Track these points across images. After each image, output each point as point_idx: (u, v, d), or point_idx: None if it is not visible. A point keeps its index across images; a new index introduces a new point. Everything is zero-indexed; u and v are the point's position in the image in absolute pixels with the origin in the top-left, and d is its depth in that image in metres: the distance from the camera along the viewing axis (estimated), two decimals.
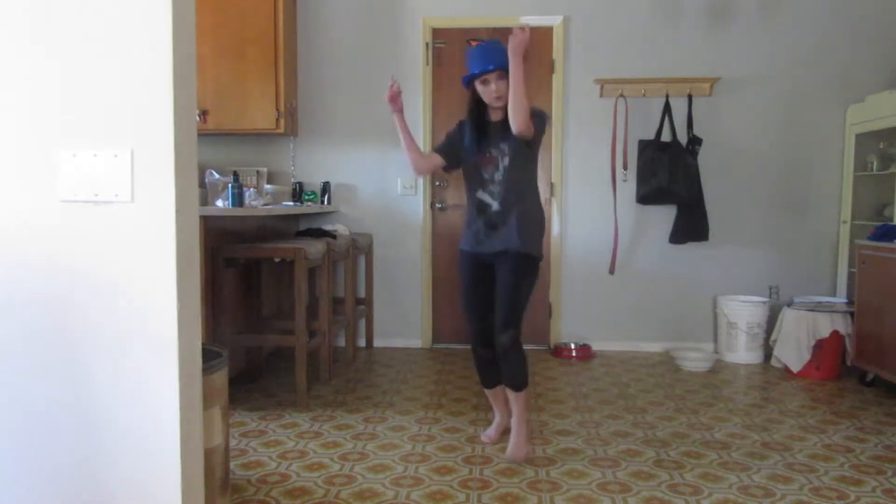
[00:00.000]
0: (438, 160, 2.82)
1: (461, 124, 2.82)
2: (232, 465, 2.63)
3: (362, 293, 4.74)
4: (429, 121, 4.69)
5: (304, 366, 3.41)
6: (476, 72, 2.64)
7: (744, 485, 2.53)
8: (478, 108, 2.73)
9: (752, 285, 4.68)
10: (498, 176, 2.71)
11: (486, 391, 3.03)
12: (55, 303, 1.37)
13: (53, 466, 1.39)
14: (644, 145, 4.62)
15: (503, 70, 2.59)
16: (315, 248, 3.54)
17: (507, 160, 2.69)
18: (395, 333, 4.83)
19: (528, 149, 2.71)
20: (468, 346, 3.21)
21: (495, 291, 2.75)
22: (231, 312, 3.49)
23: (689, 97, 4.57)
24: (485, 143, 2.72)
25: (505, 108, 2.60)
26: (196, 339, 1.45)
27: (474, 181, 2.78)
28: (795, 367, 4.09)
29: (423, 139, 4.70)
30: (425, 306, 4.82)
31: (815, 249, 4.68)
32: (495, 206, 2.71)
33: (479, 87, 2.68)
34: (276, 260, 3.81)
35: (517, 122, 2.54)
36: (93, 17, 1.32)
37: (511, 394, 2.82)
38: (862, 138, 4.44)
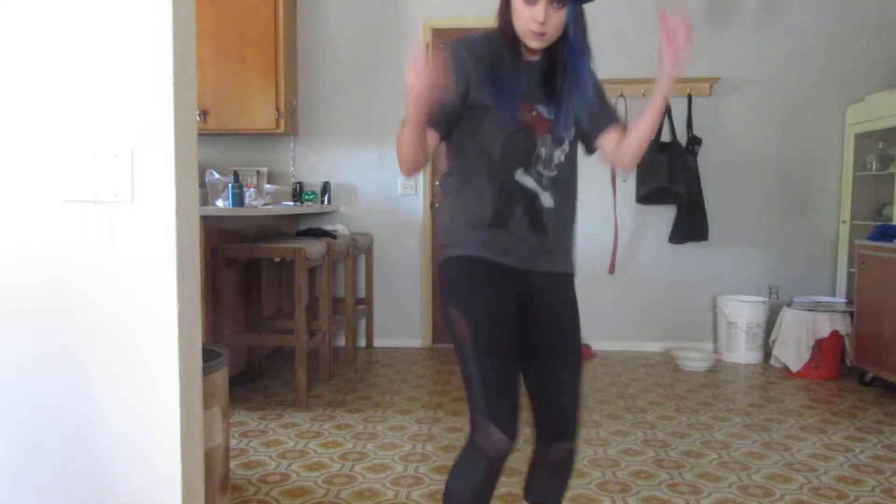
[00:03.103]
0: (434, 136, 1.60)
1: (465, 46, 1.59)
2: (232, 465, 2.63)
3: (362, 293, 4.74)
4: None
5: (304, 366, 3.41)
6: None
7: (744, 484, 2.53)
8: (511, 28, 1.55)
9: (752, 285, 4.68)
10: (559, 155, 1.61)
11: None
12: (55, 303, 1.37)
13: (53, 466, 1.40)
14: None
15: None
16: (315, 248, 3.55)
17: (572, 133, 1.65)
18: (395, 333, 4.83)
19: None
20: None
21: (544, 348, 1.63)
22: (231, 312, 3.49)
23: (689, 97, 4.57)
24: (523, 92, 1.58)
25: (546, 48, 1.57)
26: (196, 339, 1.45)
27: (512, 151, 1.57)
28: (795, 367, 4.09)
29: None
30: (425, 306, 4.82)
31: (815, 249, 4.68)
32: (547, 200, 1.60)
33: (518, 3, 1.52)
34: (276, 260, 3.82)
35: (629, 163, 1.73)
36: (92, 17, 1.32)
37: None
38: (861, 138, 4.44)
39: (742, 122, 4.66)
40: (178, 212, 1.34)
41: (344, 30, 4.74)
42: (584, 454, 2.81)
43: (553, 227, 1.62)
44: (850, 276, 4.34)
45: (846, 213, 4.55)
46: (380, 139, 4.73)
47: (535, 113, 1.59)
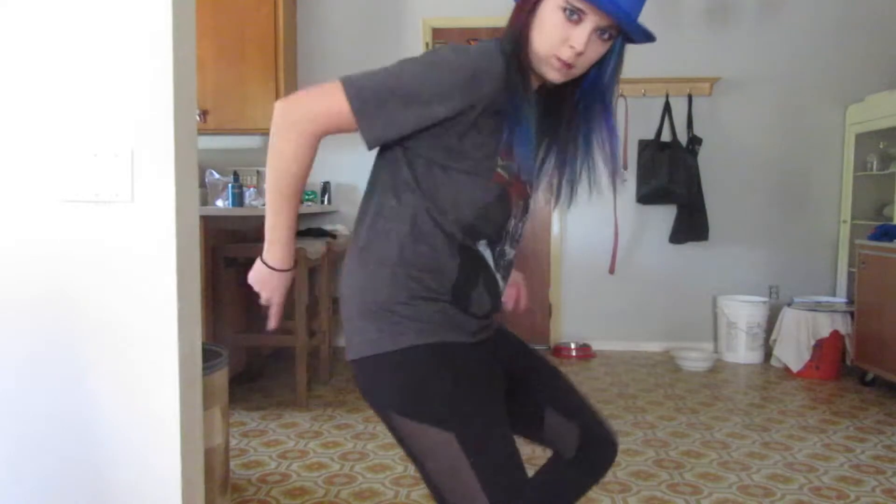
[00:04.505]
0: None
1: (490, 64, 1.09)
2: (232, 465, 2.63)
3: None
4: None
5: (304, 366, 3.41)
6: None
7: (744, 484, 2.53)
8: (527, 44, 1.11)
9: (752, 285, 4.68)
10: (521, 228, 1.28)
11: None
12: (55, 303, 1.37)
13: (53, 466, 1.39)
14: (644, 145, 4.62)
15: (628, 27, 1.10)
16: (315, 247, 3.55)
17: (533, 193, 1.28)
18: None
19: None
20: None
21: (538, 389, 1.33)
22: (231, 312, 3.49)
23: (689, 97, 4.57)
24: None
25: (567, 83, 1.16)
26: (196, 339, 1.45)
27: (485, 220, 1.17)
28: (795, 367, 4.08)
29: None
30: None
31: (815, 249, 4.68)
32: (500, 282, 1.25)
33: (551, 12, 1.08)
34: None
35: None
36: (93, 17, 1.32)
37: None
38: (862, 138, 4.44)
39: (742, 122, 4.65)
40: (177, 212, 1.34)
41: (344, 30, 4.74)
42: None
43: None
44: (851, 275, 4.34)
45: (846, 213, 4.55)
46: None
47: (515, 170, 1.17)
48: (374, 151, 1.19)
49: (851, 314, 4.01)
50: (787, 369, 4.17)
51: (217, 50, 4.38)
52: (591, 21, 1.06)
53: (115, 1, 1.31)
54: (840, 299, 4.39)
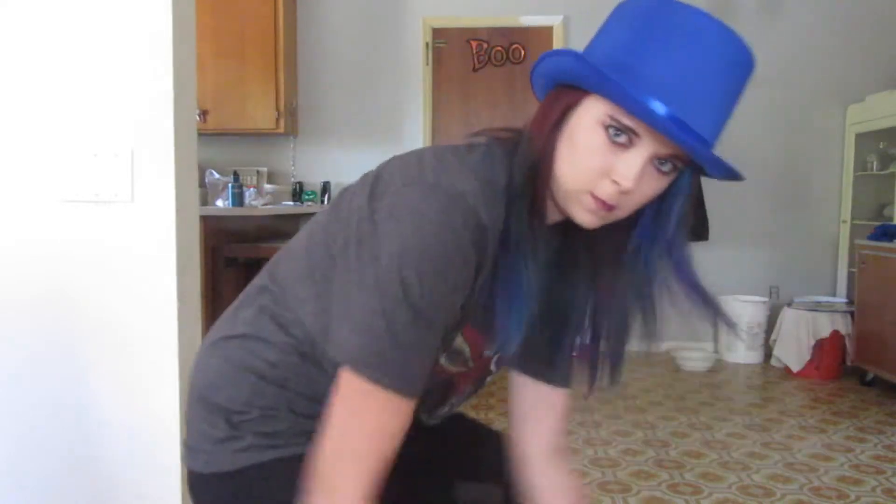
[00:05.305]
0: None
1: (491, 217, 0.75)
2: None
3: None
4: (428, 122, 4.69)
5: None
6: (647, 107, 0.69)
7: (744, 484, 2.53)
8: (548, 170, 0.76)
9: (752, 285, 4.68)
10: (462, 401, 1.02)
11: None
12: (55, 303, 1.37)
13: (54, 466, 1.39)
14: None
15: (702, 160, 0.80)
16: None
17: (495, 365, 0.97)
18: None
19: None
20: None
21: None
22: None
23: None
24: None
25: (600, 229, 0.81)
26: (196, 339, 1.45)
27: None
28: (795, 367, 4.08)
29: (423, 142, 4.69)
30: None
31: (815, 249, 4.68)
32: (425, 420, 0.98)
33: (589, 129, 0.73)
34: None
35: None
36: (93, 17, 1.32)
37: None
38: (862, 138, 4.44)
39: (742, 122, 4.62)
40: (178, 212, 1.34)
41: (344, 30, 4.74)
42: (585, 454, 2.81)
43: None
44: (851, 275, 4.34)
45: (846, 213, 4.55)
46: (380, 139, 4.73)
47: (482, 356, 0.90)
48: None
49: (851, 314, 4.01)
50: (787, 369, 4.17)
51: (217, 50, 4.38)
52: (646, 146, 0.72)
53: (115, 1, 1.31)
54: (840, 299, 4.39)
